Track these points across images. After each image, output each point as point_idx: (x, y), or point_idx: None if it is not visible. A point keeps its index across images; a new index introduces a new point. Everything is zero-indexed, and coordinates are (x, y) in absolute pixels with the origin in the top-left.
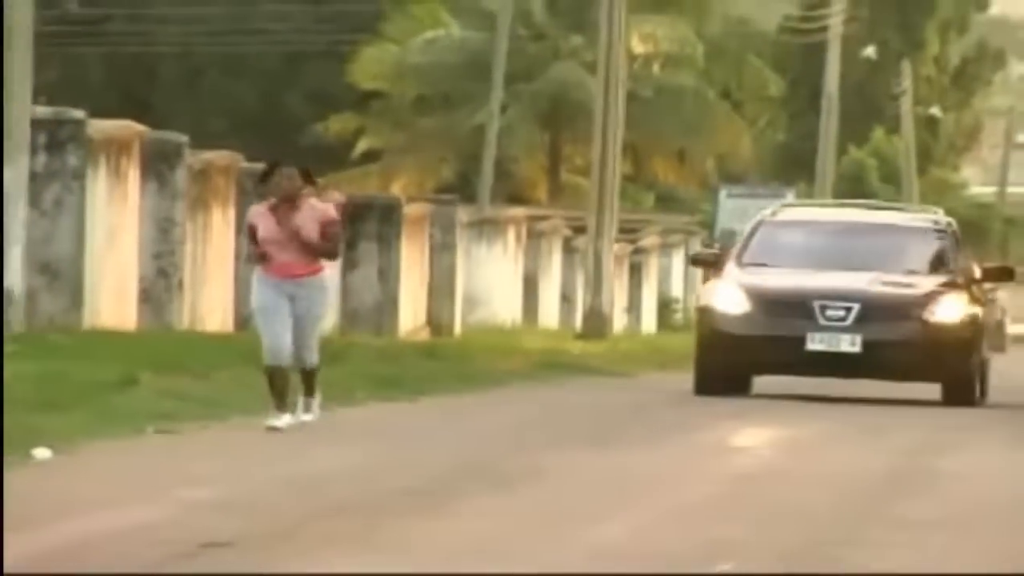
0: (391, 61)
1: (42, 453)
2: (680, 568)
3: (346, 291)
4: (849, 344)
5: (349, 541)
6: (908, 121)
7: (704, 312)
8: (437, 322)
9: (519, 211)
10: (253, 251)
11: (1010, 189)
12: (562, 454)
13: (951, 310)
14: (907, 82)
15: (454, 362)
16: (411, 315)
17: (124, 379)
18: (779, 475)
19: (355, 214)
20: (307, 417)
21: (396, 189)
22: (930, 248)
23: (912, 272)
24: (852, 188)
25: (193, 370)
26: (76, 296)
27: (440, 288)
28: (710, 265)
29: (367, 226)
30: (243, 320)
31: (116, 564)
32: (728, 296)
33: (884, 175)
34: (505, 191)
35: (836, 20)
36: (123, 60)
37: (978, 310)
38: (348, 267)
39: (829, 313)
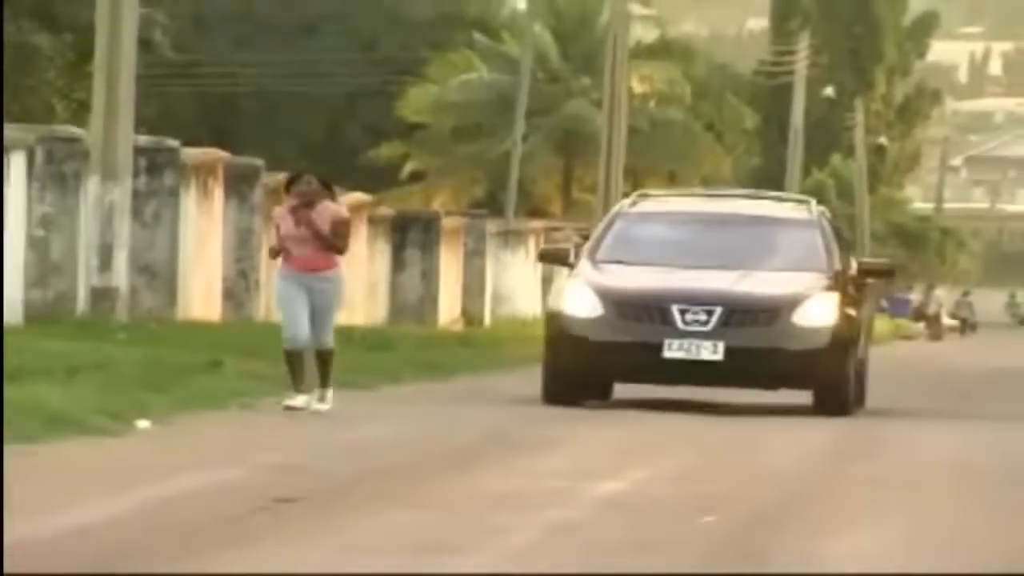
0: (432, 99)
1: (143, 424)
2: (673, 517)
3: (394, 289)
4: (710, 351)
5: (396, 496)
6: (860, 148)
7: (553, 314)
8: (470, 315)
9: (538, 223)
10: (273, 248)
11: (945, 205)
12: (572, 425)
13: (823, 312)
14: (860, 116)
15: (484, 348)
16: (448, 309)
17: (211, 363)
18: (750, 443)
19: (402, 226)
20: (322, 407)
21: (436, 205)
22: (802, 242)
23: (781, 269)
24: None
25: (268, 355)
26: (171, 293)
27: (472, 287)
28: (560, 262)
29: (412, 235)
30: None
31: (206, 515)
32: (579, 297)
33: (840, 193)
34: (526, 206)
35: (801, 65)
36: (211, 98)
37: (853, 311)
38: (396, 269)
39: (689, 317)
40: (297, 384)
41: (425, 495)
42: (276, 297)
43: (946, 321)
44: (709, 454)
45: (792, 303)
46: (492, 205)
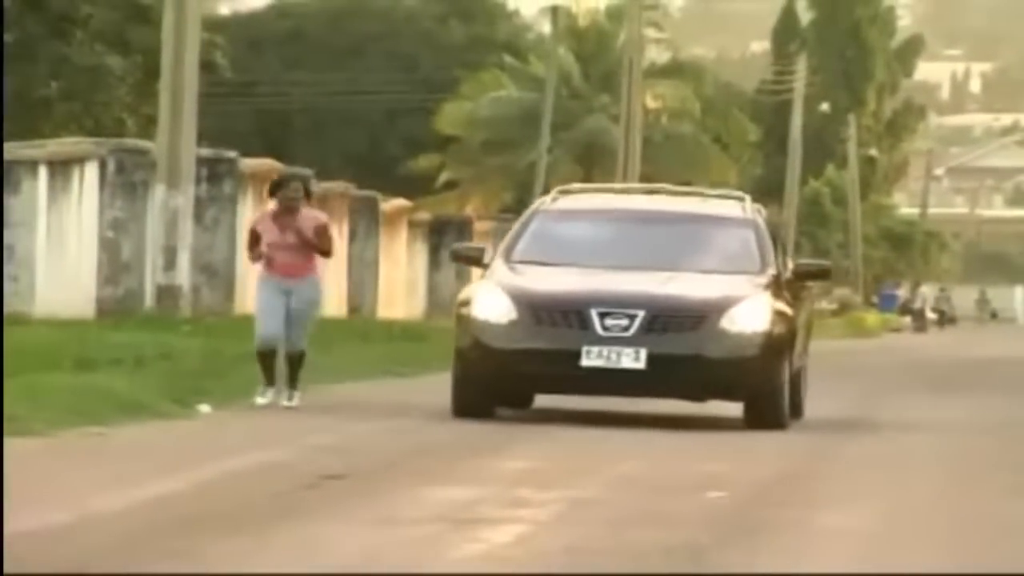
0: (465, 114)
1: (204, 408)
2: (683, 493)
3: (431, 287)
4: (632, 359)
5: (435, 474)
6: (853, 159)
7: (462, 319)
8: None
9: None
10: (254, 253)
11: (930, 210)
12: (594, 409)
13: (754, 316)
14: (852, 130)
15: None
16: None
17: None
18: (740, 429)
19: (438, 229)
20: (291, 404)
21: (468, 210)
22: (734, 242)
23: (712, 271)
24: (812, 210)
25: (317, 346)
26: (229, 290)
27: None
28: (474, 262)
29: (447, 238)
30: (355, 308)
31: (258, 491)
32: (490, 301)
33: (835, 200)
34: None
35: (799, 84)
36: (265, 114)
37: (788, 314)
38: (433, 268)
39: (609, 322)
40: (269, 381)
41: (462, 472)
42: (256, 300)
43: (930, 315)
44: (709, 437)
45: (721, 307)
46: (520, 210)
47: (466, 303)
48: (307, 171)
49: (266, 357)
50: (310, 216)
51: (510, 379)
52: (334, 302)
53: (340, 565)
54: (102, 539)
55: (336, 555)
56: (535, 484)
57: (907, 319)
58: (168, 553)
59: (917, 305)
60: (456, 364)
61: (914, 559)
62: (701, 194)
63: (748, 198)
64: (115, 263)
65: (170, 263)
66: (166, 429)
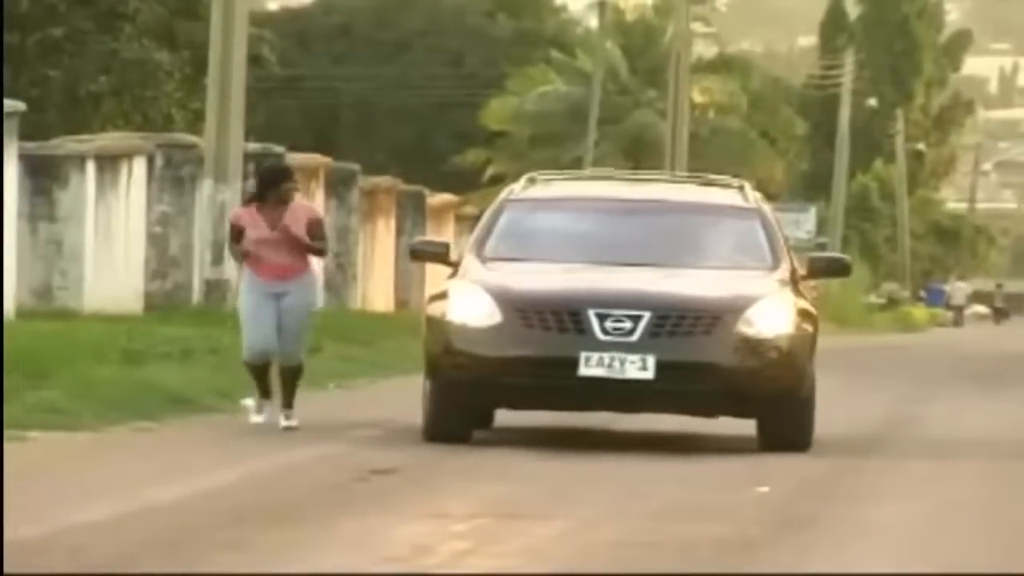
0: (512, 109)
1: (248, 402)
2: (733, 485)
3: None
4: (638, 367)
5: (482, 469)
6: (901, 154)
7: (435, 323)
8: None
9: None
10: (237, 250)
11: (978, 205)
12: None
13: (775, 317)
14: (900, 124)
15: None
16: None
17: (312, 347)
18: None
19: None
20: (292, 423)
21: None
22: (737, 233)
23: (717, 267)
24: (859, 205)
25: (363, 340)
26: None
27: None
28: (438, 259)
29: None
30: (402, 303)
31: (308, 485)
32: (469, 301)
33: (883, 195)
34: None
35: (847, 79)
36: (313, 109)
37: (813, 314)
38: None
39: (609, 325)
40: (264, 393)
41: (505, 468)
42: (241, 305)
43: (980, 310)
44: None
45: (737, 307)
46: None
47: (438, 303)
48: (355, 166)
49: (257, 369)
50: (302, 208)
51: (494, 392)
52: (381, 297)
53: (390, 557)
54: (153, 532)
55: (386, 547)
56: (580, 479)
57: (950, 314)
58: (220, 545)
59: (956, 300)
60: (427, 376)
61: (962, 555)
62: (697, 181)
63: (748, 185)
64: (163, 258)
65: (217, 257)
66: (214, 423)
